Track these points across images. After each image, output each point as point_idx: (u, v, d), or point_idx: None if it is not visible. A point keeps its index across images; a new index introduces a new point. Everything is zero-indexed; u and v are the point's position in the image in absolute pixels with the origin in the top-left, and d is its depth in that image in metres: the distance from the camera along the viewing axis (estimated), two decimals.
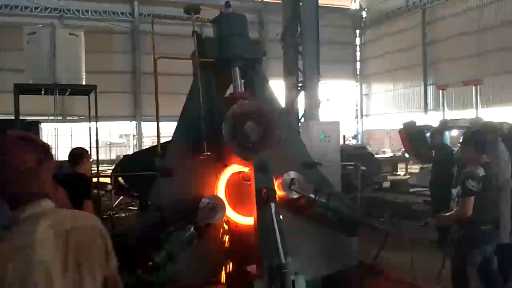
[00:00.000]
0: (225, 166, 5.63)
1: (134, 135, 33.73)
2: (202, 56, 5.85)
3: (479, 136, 4.79)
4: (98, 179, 11.97)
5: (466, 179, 4.51)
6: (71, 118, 28.83)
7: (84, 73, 12.19)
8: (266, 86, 6.36)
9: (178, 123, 5.88)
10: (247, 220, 5.37)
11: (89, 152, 5.38)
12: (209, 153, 5.42)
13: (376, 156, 26.10)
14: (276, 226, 4.78)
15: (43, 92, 11.98)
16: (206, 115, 5.58)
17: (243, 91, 5.90)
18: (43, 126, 14.58)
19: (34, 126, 13.33)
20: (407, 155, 19.38)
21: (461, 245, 4.63)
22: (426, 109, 31.11)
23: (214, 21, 6.16)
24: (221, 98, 6.03)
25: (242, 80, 6.04)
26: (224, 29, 5.95)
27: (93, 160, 5.53)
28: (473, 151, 4.71)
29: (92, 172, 12.32)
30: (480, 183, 4.43)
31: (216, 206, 5.26)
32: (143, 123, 32.16)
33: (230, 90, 6.17)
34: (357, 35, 38.28)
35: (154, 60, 5.92)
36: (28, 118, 14.43)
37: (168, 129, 5.84)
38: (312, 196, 5.73)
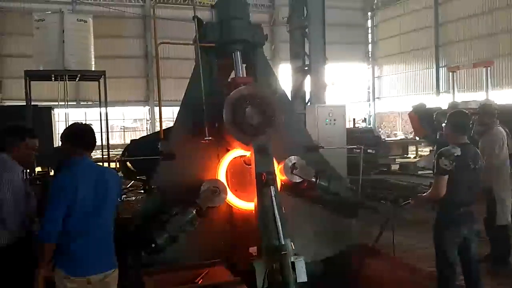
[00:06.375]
0: (228, 150, 5.73)
1: (147, 120, 33.99)
2: (204, 40, 5.90)
3: (457, 117, 4.80)
4: (109, 164, 12.16)
5: (440, 157, 4.52)
6: (85, 103, 29.13)
7: (93, 58, 12.26)
8: (268, 70, 6.38)
9: (180, 107, 5.96)
10: (247, 205, 5.46)
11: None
12: (210, 137, 5.50)
13: (387, 138, 26.04)
14: (275, 209, 4.88)
15: (53, 78, 12.13)
16: (208, 100, 5.65)
17: (244, 75, 5.94)
18: (57, 111, 14.76)
19: (46, 112, 13.47)
20: (417, 138, 19.32)
21: (437, 227, 4.64)
22: (438, 91, 30.85)
23: (215, 5, 6.19)
24: (224, 83, 6.07)
25: (244, 65, 6.08)
26: (225, 13, 5.97)
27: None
28: (450, 131, 4.73)
29: (104, 156, 12.57)
30: (453, 162, 4.43)
31: (217, 189, 5.37)
32: (156, 108, 32.32)
33: (233, 75, 6.20)
34: (369, 17, 37.96)
35: (155, 45, 5.97)
36: (41, 103, 14.62)
37: None
38: (313, 179, 5.82)
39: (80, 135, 3.80)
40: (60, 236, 3.54)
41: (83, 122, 4.14)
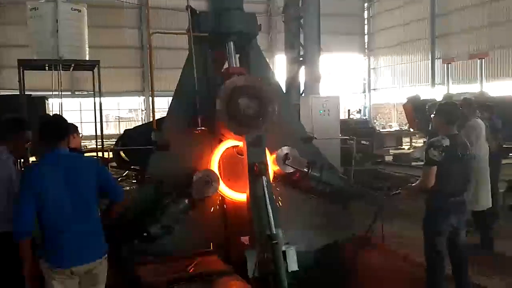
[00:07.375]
0: (221, 140, 5.73)
1: (142, 110, 33.93)
2: (198, 30, 5.88)
3: (445, 108, 4.85)
4: (102, 154, 12.16)
5: (429, 148, 4.58)
6: (80, 93, 29.04)
7: (87, 48, 12.18)
8: (261, 60, 6.36)
9: (173, 97, 5.95)
10: (240, 195, 5.49)
11: (77, 128, 5.47)
12: (203, 127, 5.51)
13: (382, 130, 26.09)
14: (267, 199, 4.91)
15: (47, 67, 12.05)
16: (201, 90, 5.65)
17: (238, 66, 5.93)
18: (52, 101, 14.65)
19: (40, 101, 13.40)
20: (411, 129, 19.40)
21: (426, 216, 4.68)
22: (433, 83, 30.91)
23: None
24: (217, 73, 6.05)
25: (238, 55, 6.07)
26: (218, 3, 5.95)
27: (82, 136, 5.59)
28: (439, 122, 4.79)
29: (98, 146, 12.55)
30: (442, 153, 4.47)
31: (210, 179, 5.38)
32: (151, 98, 32.21)
33: (226, 65, 6.17)
34: (365, 8, 37.90)
35: (149, 35, 5.95)
36: (35, 93, 14.56)
37: None
38: (306, 170, 5.84)
39: (41, 128, 3.75)
40: (38, 230, 3.55)
41: (53, 113, 4.09)
